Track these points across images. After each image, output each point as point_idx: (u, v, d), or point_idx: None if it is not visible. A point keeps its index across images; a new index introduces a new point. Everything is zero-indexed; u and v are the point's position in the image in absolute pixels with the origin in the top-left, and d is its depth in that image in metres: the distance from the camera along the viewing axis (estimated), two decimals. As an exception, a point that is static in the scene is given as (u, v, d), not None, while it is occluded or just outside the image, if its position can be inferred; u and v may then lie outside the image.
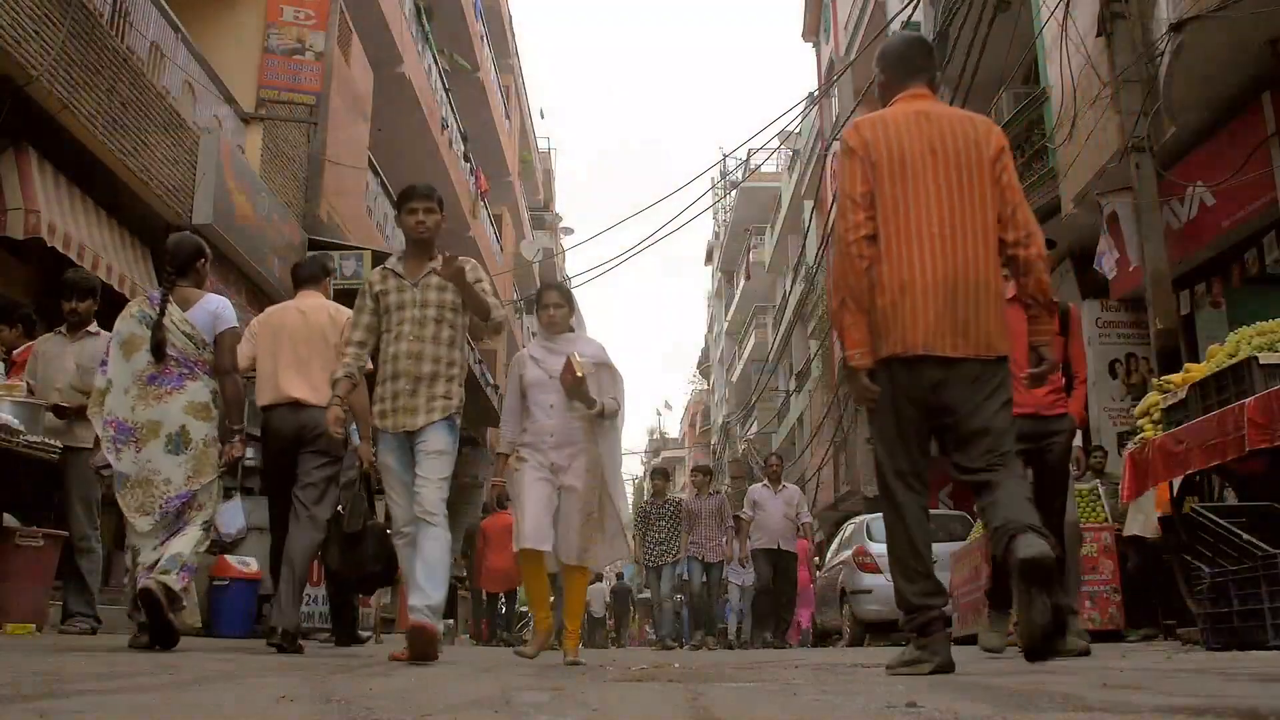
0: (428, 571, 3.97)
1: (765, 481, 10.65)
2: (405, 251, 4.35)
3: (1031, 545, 2.59)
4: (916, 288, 2.85)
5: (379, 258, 10.90)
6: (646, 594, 17.89)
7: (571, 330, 4.73)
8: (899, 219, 2.89)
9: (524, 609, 14.21)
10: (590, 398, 4.45)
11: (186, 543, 4.04)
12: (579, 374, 4.36)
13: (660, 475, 11.56)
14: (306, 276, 5.41)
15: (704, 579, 10.57)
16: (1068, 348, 4.71)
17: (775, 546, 10.11)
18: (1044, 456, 4.63)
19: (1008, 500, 2.76)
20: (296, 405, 4.89)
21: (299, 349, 4.99)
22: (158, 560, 3.93)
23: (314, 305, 5.18)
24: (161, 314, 4.18)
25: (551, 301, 4.67)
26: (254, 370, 5.07)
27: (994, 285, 2.91)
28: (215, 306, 4.34)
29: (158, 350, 4.13)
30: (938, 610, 2.87)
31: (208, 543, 4.31)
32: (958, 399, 2.86)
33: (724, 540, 10.54)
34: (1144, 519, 6.88)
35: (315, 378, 4.86)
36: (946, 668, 2.78)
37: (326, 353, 4.90)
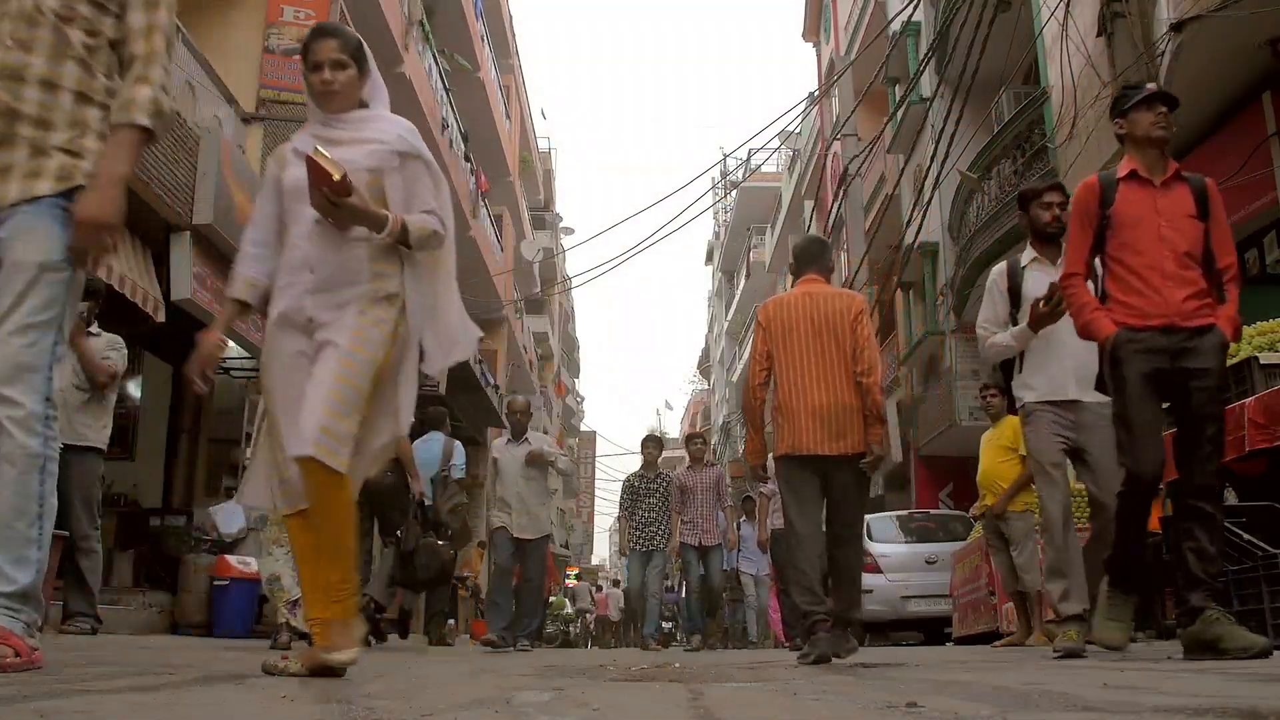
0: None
1: None
2: None
3: (834, 645, 3.99)
4: (803, 412, 4.22)
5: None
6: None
7: (363, 106, 2.90)
8: (790, 367, 4.28)
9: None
10: (368, 212, 2.68)
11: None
12: (335, 176, 2.57)
13: (652, 443, 9.58)
14: None
15: (702, 569, 9.15)
16: (1209, 235, 3.62)
17: None
18: (1188, 393, 3.40)
19: (845, 582, 4.29)
20: None
21: None
22: (299, 599, 4.85)
23: None
24: None
25: (327, 58, 2.79)
26: None
27: (854, 406, 4.21)
28: None
29: None
30: (820, 615, 4.08)
31: None
32: (834, 481, 4.26)
33: (722, 520, 9.16)
34: None
35: None
36: (824, 658, 3.96)
37: None
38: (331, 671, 2.52)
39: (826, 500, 4.31)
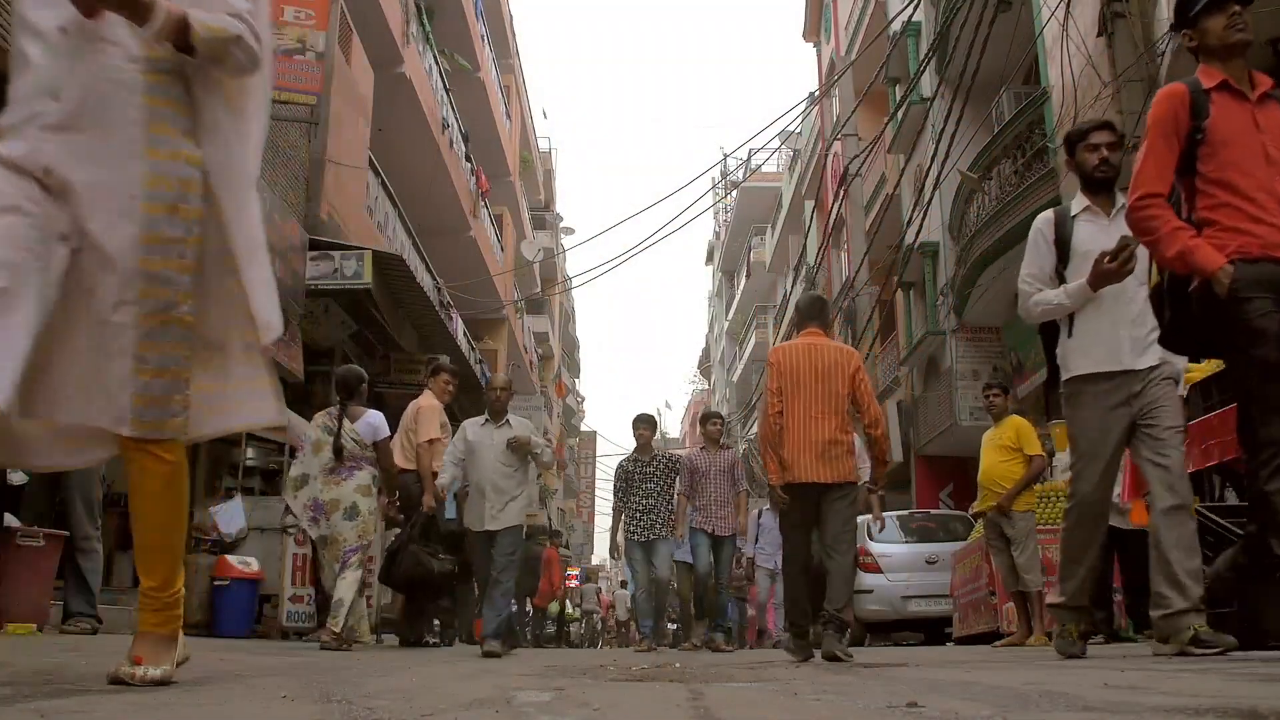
0: None
1: None
2: None
3: (831, 646, 4.42)
4: (802, 446, 4.78)
5: (379, 258, 10.91)
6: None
7: None
8: (794, 407, 4.84)
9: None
10: None
11: (347, 587, 5.82)
12: None
13: (644, 423, 8.43)
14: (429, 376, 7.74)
15: (711, 559, 8.17)
16: None
17: None
18: None
19: (836, 585, 4.71)
20: (402, 471, 6.87)
21: (401, 438, 7.14)
22: (343, 599, 5.77)
23: (413, 403, 7.42)
24: (339, 426, 6.06)
25: None
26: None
27: (845, 443, 4.80)
28: (374, 420, 6.21)
29: (338, 454, 6.02)
30: (803, 627, 4.82)
31: (360, 575, 6.03)
32: (826, 503, 4.80)
33: (735, 507, 8.16)
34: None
35: (409, 454, 7.04)
36: (809, 658, 4.61)
37: (410, 441, 7.13)
38: (122, 682, 2.02)
39: (819, 520, 4.90)
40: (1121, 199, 3.75)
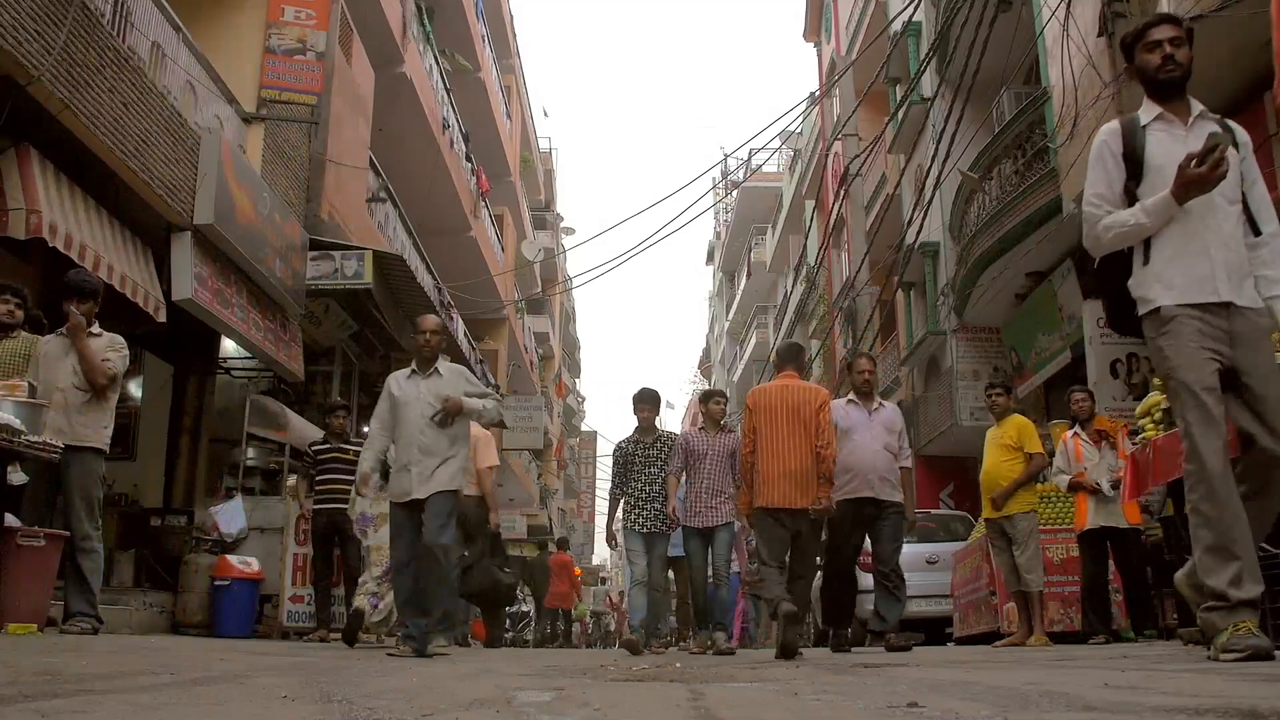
0: None
1: (851, 396, 6.66)
2: None
3: (788, 608, 5.08)
4: (775, 475, 5.53)
5: (379, 257, 10.92)
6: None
7: None
8: (768, 440, 5.58)
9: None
10: None
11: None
12: None
13: (647, 401, 7.53)
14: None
15: (708, 554, 6.96)
16: None
17: (869, 494, 6.33)
18: None
19: (799, 590, 5.80)
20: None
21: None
22: (377, 592, 6.68)
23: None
24: None
25: None
26: None
27: (814, 470, 5.52)
28: None
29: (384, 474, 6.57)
30: (786, 598, 5.22)
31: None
32: (797, 524, 5.60)
33: (733, 493, 6.81)
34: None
35: (470, 478, 7.21)
36: (793, 616, 5.09)
37: (470, 467, 7.37)
38: None
39: (793, 540, 5.61)
40: (1198, 105, 3.28)
